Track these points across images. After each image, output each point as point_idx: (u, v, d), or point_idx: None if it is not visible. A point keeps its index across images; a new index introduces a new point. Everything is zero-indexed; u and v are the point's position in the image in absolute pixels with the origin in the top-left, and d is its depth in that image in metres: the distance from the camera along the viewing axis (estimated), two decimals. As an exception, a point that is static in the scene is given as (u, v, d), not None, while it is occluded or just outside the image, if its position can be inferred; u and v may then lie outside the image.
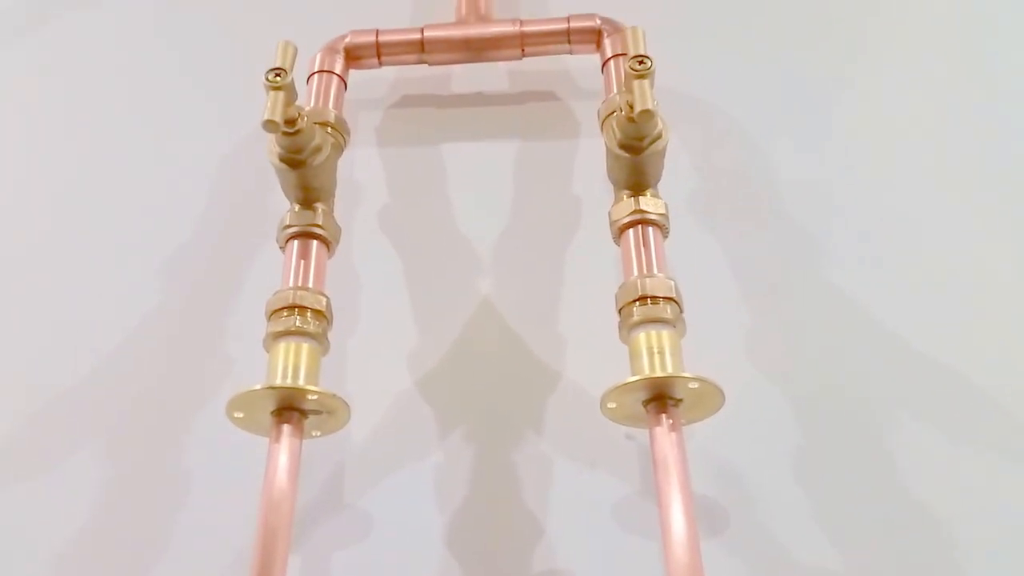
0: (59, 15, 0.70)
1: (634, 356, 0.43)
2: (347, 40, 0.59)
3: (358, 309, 0.53)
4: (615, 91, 0.52)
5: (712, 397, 0.42)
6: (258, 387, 0.42)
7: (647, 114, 0.43)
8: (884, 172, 0.58)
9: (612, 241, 0.48)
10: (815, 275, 0.54)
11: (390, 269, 0.55)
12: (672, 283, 0.45)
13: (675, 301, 0.44)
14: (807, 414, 0.48)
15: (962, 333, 0.51)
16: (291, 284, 0.46)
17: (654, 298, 0.44)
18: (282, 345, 0.44)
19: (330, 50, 0.58)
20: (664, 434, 0.41)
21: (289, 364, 0.43)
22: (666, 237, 0.48)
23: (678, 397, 0.42)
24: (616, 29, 0.57)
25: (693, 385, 0.42)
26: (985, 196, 0.57)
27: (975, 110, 0.61)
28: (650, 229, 0.47)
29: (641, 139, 0.46)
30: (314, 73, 0.56)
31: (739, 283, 0.54)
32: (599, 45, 0.58)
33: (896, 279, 0.53)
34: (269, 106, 0.43)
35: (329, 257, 0.49)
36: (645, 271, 0.45)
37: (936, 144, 0.59)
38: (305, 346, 0.44)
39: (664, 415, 0.42)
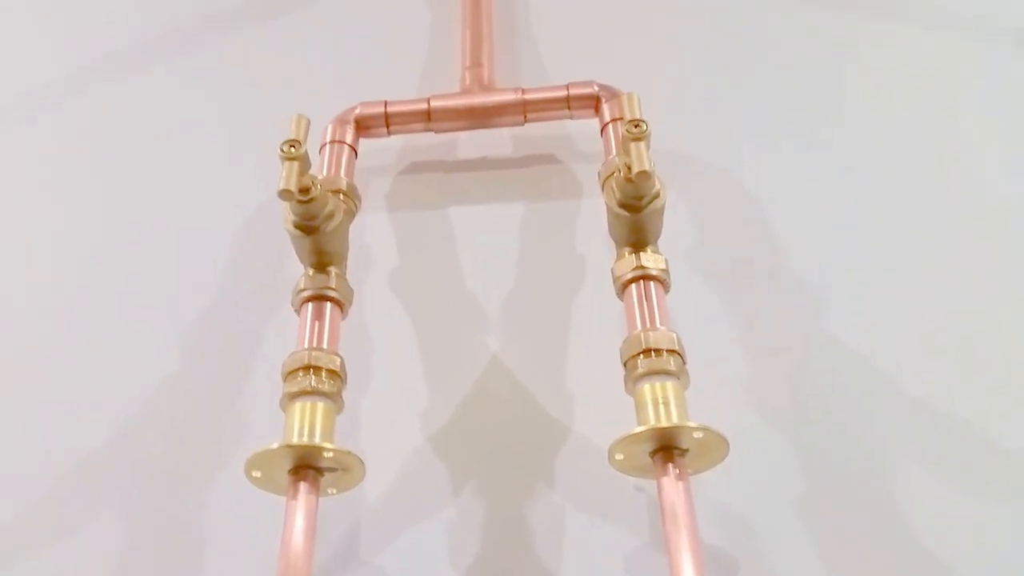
0: (83, 88, 0.73)
1: (640, 407, 0.44)
2: (357, 111, 0.62)
3: (371, 368, 0.54)
4: (614, 153, 0.54)
5: (717, 446, 0.43)
6: (275, 446, 0.43)
7: (644, 175, 0.45)
8: (880, 224, 0.60)
9: (616, 296, 0.49)
10: (814, 325, 0.55)
11: (401, 329, 0.57)
12: (674, 336, 0.46)
13: (678, 353, 0.46)
14: (811, 462, 0.49)
15: (959, 380, 0.52)
16: (306, 345, 0.47)
17: (657, 351, 0.45)
18: (298, 405, 0.45)
19: (341, 121, 0.61)
20: (671, 484, 0.42)
21: (305, 423, 0.44)
22: (667, 291, 0.49)
23: (684, 447, 0.43)
24: (613, 95, 0.60)
25: (698, 435, 0.43)
26: (979, 247, 0.58)
27: (968, 161, 0.63)
28: (652, 284, 0.49)
29: (640, 198, 0.48)
30: (326, 143, 0.59)
31: (740, 334, 0.55)
32: (597, 110, 0.61)
33: (894, 328, 0.55)
34: (284, 176, 0.46)
35: (342, 318, 0.50)
36: (648, 325, 0.47)
37: (931, 197, 0.61)
38: (320, 405, 0.45)
39: (671, 465, 0.43)
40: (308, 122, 0.48)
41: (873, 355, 0.53)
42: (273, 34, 0.75)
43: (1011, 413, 0.50)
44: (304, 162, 0.47)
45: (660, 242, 0.50)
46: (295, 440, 0.43)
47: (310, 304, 0.49)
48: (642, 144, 0.46)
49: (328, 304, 0.50)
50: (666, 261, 0.49)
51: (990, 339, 0.54)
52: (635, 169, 0.45)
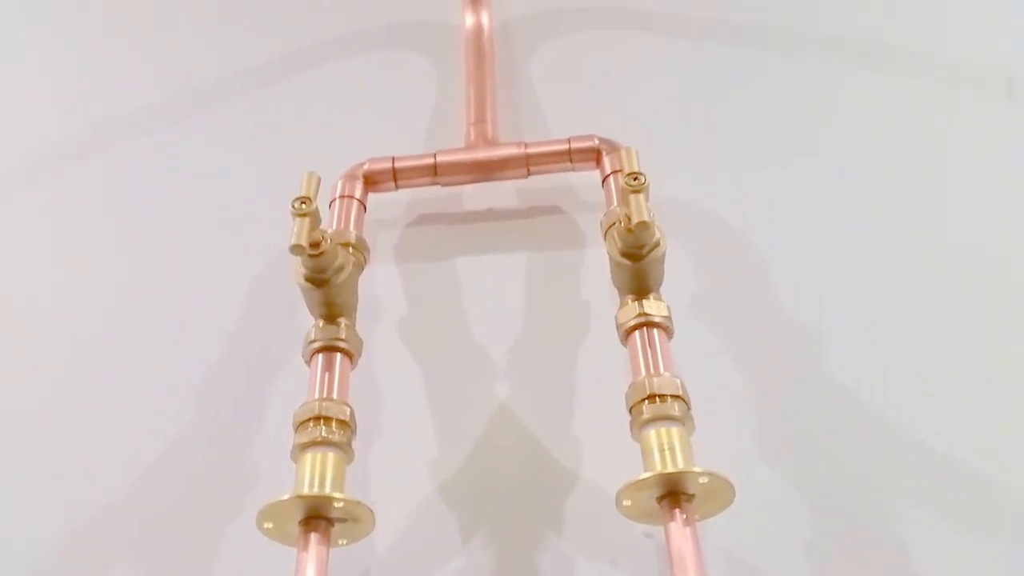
0: (104, 144, 0.75)
1: (646, 453, 0.45)
2: (366, 167, 0.63)
3: (380, 418, 0.55)
4: (615, 204, 0.56)
5: (723, 491, 0.44)
6: (286, 497, 0.44)
7: (643, 225, 0.47)
8: (877, 268, 0.61)
9: (620, 343, 0.50)
10: (816, 368, 0.56)
11: (410, 378, 0.57)
12: (678, 381, 0.47)
13: (682, 399, 0.46)
14: (818, 506, 0.49)
15: (965, 422, 0.52)
16: (316, 396, 0.48)
17: (662, 396, 0.46)
18: (309, 455, 0.46)
19: (350, 177, 0.63)
20: (679, 529, 0.42)
21: (316, 473, 0.45)
22: (671, 338, 0.50)
23: (690, 492, 0.44)
24: (613, 148, 0.62)
25: (703, 480, 0.43)
26: (975, 289, 0.59)
27: (960, 207, 0.64)
28: (655, 331, 0.49)
29: (640, 247, 0.49)
30: (336, 198, 0.60)
31: (744, 379, 0.56)
32: (599, 162, 0.62)
33: (896, 370, 0.55)
34: (296, 232, 0.47)
35: (352, 369, 0.51)
36: (652, 371, 0.47)
37: (926, 241, 0.62)
38: (331, 455, 0.46)
39: (678, 510, 0.43)
40: (319, 179, 0.50)
41: (877, 398, 0.54)
42: (285, 94, 0.77)
43: (1017, 455, 0.51)
44: (315, 218, 0.48)
45: (663, 289, 0.51)
46: (306, 491, 0.44)
47: (320, 355, 0.50)
48: (641, 196, 0.47)
49: (338, 355, 0.51)
50: (668, 308, 0.50)
51: (993, 379, 0.54)
52: (635, 220, 0.46)
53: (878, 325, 0.58)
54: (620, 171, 0.51)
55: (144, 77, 0.80)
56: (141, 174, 0.73)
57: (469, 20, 0.75)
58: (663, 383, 0.46)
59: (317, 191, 0.49)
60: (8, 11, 0.88)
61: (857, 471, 0.51)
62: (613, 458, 0.46)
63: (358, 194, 0.61)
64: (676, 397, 0.46)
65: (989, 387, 0.54)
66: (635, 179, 0.48)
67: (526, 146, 0.64)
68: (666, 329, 0.50)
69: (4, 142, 0.76)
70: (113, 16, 0.86)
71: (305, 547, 0.43)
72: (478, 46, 0.73)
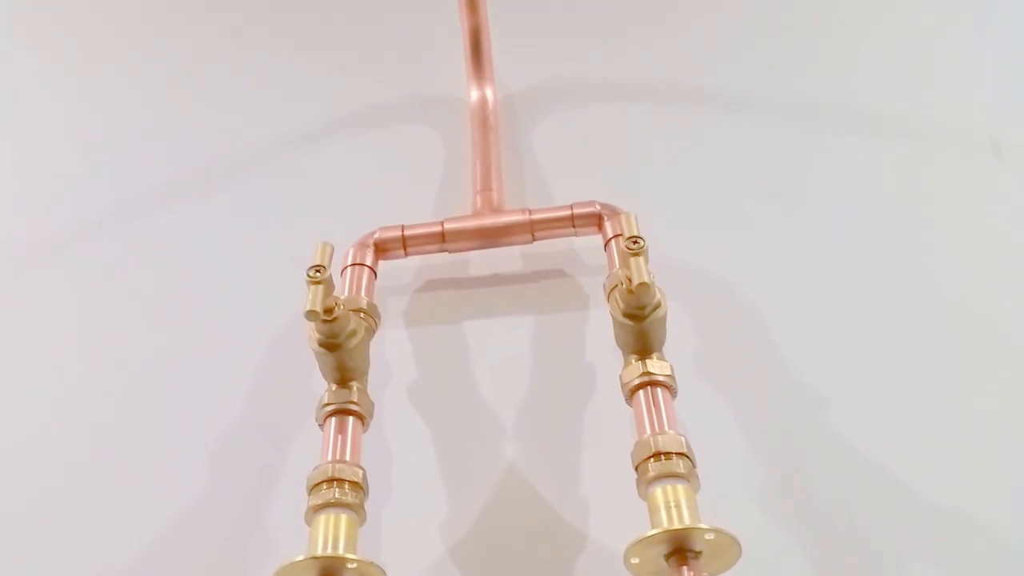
0: (116, 217, 0.77)
1: (652, 511, 0.45)
2: (376, 236, 0.65)
3: (391, 479, 0.56)
4: (617, 267, 0.58)
5: (729, 548, 0.44)
6: (300, 558, 0.44)
7: (644, 287, 0.49)
8: (878, 323, 0.62)
9: (625, 403, 0.52)
10: (819, 425, 0.56)
11: (420, 440, 0.58)
12: (683, 439, 0.48)
13: (687, 456, 0.47)
14: (822, 562, 0.50)
15: (967, 476, 0.53)
16: (330, 458, 0.49)
17: (667, 454, 0.47)
18: (322, 517, 0.46)
19: (362, 245, 0.65)
20: (687, 586, 0.43)
21: (329, 535, 0.45)
22: (675, 396, 0.51)
23: (697, 549, 0.44)
24: (614, 213, 0.64)
25: (710, 536, 0.44)
26: (966, 346, 0.60)
27: (949, 265, 0.66)
28: (659, 390, 0.51)
29: (642, 308, 0.51)
30: (348, 266, 0.62)
31: (747, 437, 0.56)
32: (600, 227, 0.64)
33: (898, 425, 0.56)
34: (310, 299, 0.49)
35: (364, 431, 0.52)
36: (657, 429, 0.48)
37: (920, 299, 0.63)
38: (344, 517, 0.47)
39: (685, 568, 0.43)
40: (332, 248, 0.52)
41: (879, 453, 0.54)
42: (301, 167, 0.79)
43: (1018, 508, 0.51)
44: (328, 285, 0.50)
45: (667, 349, 0.52)
46: (319, 552, 0.45)
47: (333, 418, 0.52)
48: (640, 259, 0.49)
49: (350, 418, 0.52)
50: (671, 367, 0.51)
51: (991, 433, 0.55)
52: (635, 281, 0.48)
53: (878, 380, 0.59)
54: (621, 235, 0.53)
55: (166, 151, 0.83)
56: (163, 244, 0.75)
57: (474, 95, 0.78)
58: (668, 441, 0.47)
59: (331, 260, 0.51)
60: (36, 84, 0.92)
61: (861, 527, 0.51)
62: (620, 516, 0.47)
63: (369, 261, 0.63)
64: (681, 455, 0.47)
65: (988, 441, 0.55)
66: (635, 243, 0.50)
67: (530, 213, 0.66)
68: (669, 388, 0.51)
69: (24, 213, 0.79)
70: (135, 93, 0.90)
71: (319, 608, 0.44)
72: (483, 119, 0.77)
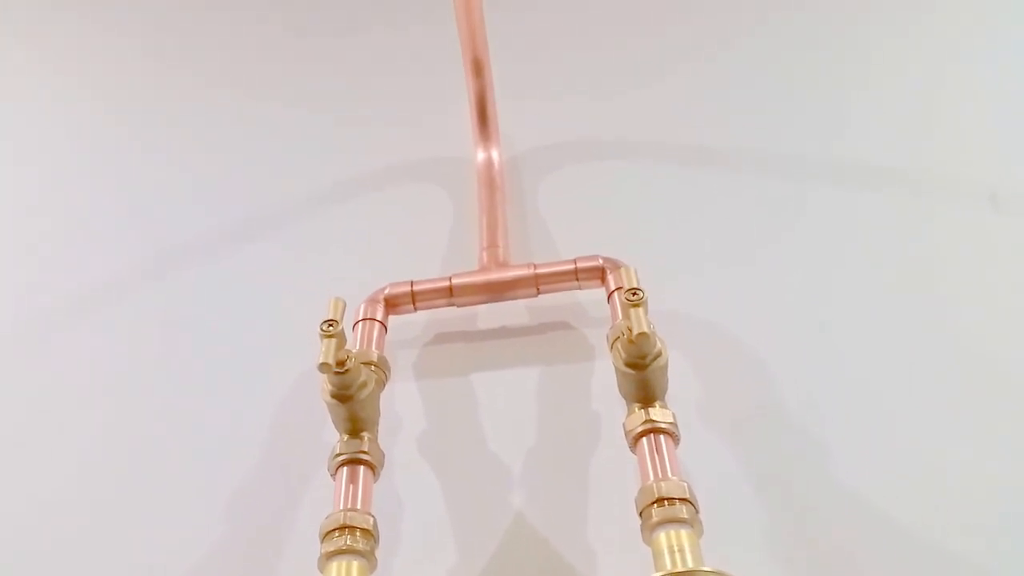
0: (136, 275, 0.80)
1: (656, 556, 0.46)
2: (387, 291, 0.67)
3: (401, 528, 0.57)
4: (619, 318, 0.60)
5: (733, 592, 0.45)
6: (314, 604, 0.46)
7: (644, 336, 0.50)
8: (873, 374, 0.63)
9: (629, 450, 0.53)
10: (822, 471, 0.57)
11: (430, 489, 0.60)
12: (686, 485, 0.49)
13: (690, 502, 0.48)
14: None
15: (973, 525, 0.53)
16: (342, 506, 0.50)
17: (670, 500, 0.48)
18: (335, 564, 0.48)
19: (372, 301, 0.67)
20: (690, 630, 0.44)
21: (341, 581, 0.47)
22: (677, 444, 0.52)
23: (700, 593, 0.45)
24: (616, 266, 0.66)
25: (713, 580, 0.45)
26: (967, 394, 0.61)
27: (948, 317, 0.67)
28: (662, 437, 0.52)
29: (643, 357, 0.53)
30: (359, 320, 0.64)
31: (750, 482, 0.57)
32: (603, 280, 0.66)
33: (903, 473, 0.57)
34: (323, 352, 0.51)
35: (375, 481, 0.54)
36: (660, 475, 0.50)
37: (920, 349, 0.65)
38: (355, 563, 0.48)
39: (689, 610, 0.44)
40: (344, 303, 0.54)
41: (881, 500, 0.55)
42: (314, 225, 0.82)
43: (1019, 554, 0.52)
44: (341, 339, 0.52)
45: (670, 397, 0.54)
46: (332, 599, 0.46)
47: (345, 468, 0.53)
48: (640, 310, 0.51)
49: (362, 467, 0.53)
50: (674, 415, 0.53)
51: (997, 480, 0.56)
52: (635, 331, 0.50)
53: (880, 426, 0.60)
54: (622, 287, 0.55)
55: (183, 213, 0.86)
56: (182, 301, 0.77)
57: (480, 155, 0.81)
58: (671, 487, 0.48)
59: (343, 314, 0.53)
60: (62, 143, 0.96)
61: (864, 572, 0.52)
62: (626, 562, 0.48)
63: (380, 316, 0.65)
64: (684, 500, 0.48)
65: (991, 486, 0.56)
66: (634, 294, 0.52)
67: (535, 267, 0.68)
68: (672, 435, 0.52)
69: (50, 272, 0.82)
70: (153, 156, 0.93)
71: (330, 655, 0.45)
72: (489, 178, 0.79)
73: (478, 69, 0.79)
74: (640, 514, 0.48)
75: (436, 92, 0.92)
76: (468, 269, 0.70)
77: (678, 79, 0.92)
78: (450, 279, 0.68)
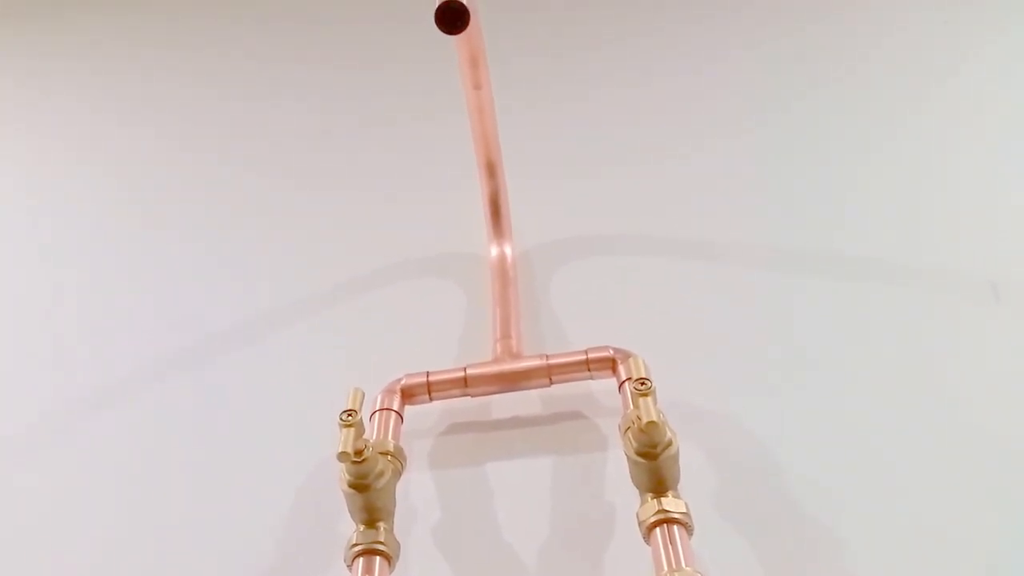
0: (160, 368, 0.82)
1: (672, 647, 0.46)
2: (403, 382, 0.69)
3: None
4: (631, 407, 0.61)
5: None
6: None
7: (653, 425, 0.52)
8: (890, 463, 0.64)
9: (643, 541, 0.53)
10: (834, 559, 0.57)
11: (444, 581, 0.60)
12: (699, 576, 0.49)
13: (705, 593, 0.49)
14: None
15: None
16: (358, 597, 0.51)
17: (684, 591, 0.48)
18: (350, 656, 0.48)
19: (389, 391, 0.68)
20: None
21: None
22: (691, 534, 0.53)
23: None
24: (627, 356, 0.67)
25: (729, 671, 0.44)
26: (976, 477, 0.62)
27: (955, 403, 0.67)
28: (675, 527, 0.52)
29: (654, 447, 0.54)
30: (377, 411, 0.66)
31: (765, 574, 0.57)
32: (615, 370, 0.67)
33: (918, 567, 0.57)
34: (343, 440, 0.53)
35: (391, 572, 0.54)
36: (674, 566, 0.50)
37: (927, 436, 0.65)
38: (371, 655, 0.48)
39: None
40: (363, 394, 0.56)
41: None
42: (333, 319, 0.84)
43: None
44: (359, 428, 0.54)
45: (684, 488, 0.54)
46: None
47: (361, 559, 0.54)
48: (649, 399, 0.53)
49: (377, 558, 0.54)
50: (687, 505, 0.53)
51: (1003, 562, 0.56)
52: (644, 420, 0.51)
53: (894, 515, 0.60)
54: (631, 377, 0.56)
55: (203, 303, 0.89)
56: (202, 389, 0.79)
57: (494, 251, 0.84)
58: (685, 578, 0.49)
59: (361, 405, 0.55)
60: (82, 231, 1.00)
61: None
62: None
63: (396, 406, 0.66)
64: (699, 591, 0.48)
65: (1010, 568, 0.55)
66: (642, 384, 0.53)
67: (548, 358, 0.69)
68: (685, 525, 0.53)
69: (67, 366, 0.84)
70: (175, 249, 0.96)
71: None
72: (502, 272, 0.82)
73: (491, 171, 0.83)
74: (655, 605, 0.49)
75: (450, 188, 0.95)
76: (482, 360, 0.71)
77: (685, 172, 0.95)
78: (464, 370, 0.70)
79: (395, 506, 0.57)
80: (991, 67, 1.01)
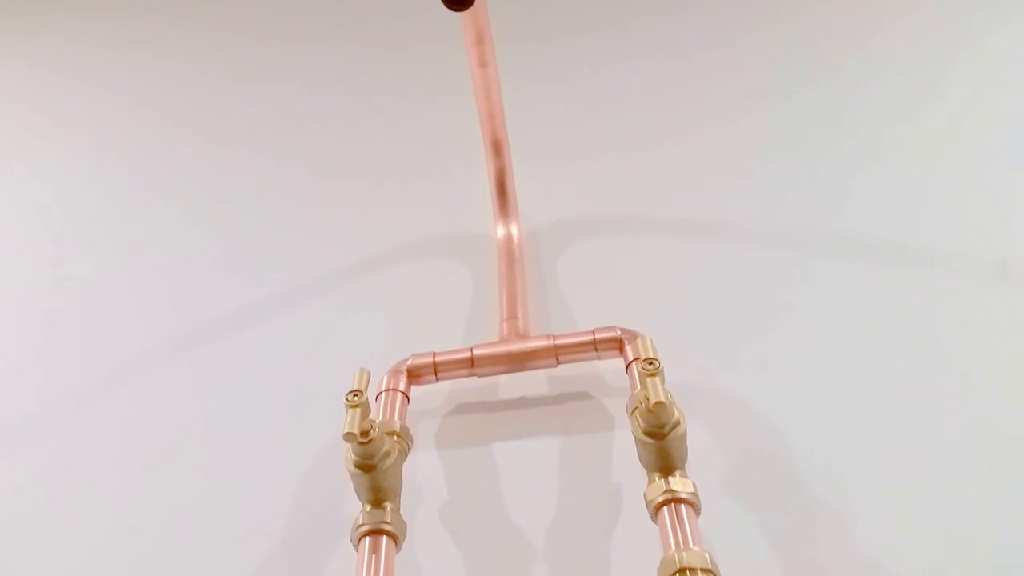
0: (168, 353, 0.82)
1: (679, 626, 0.46)
2: (409, 362, 0.69)
3: (423, 600, 0.57)
4: (638, 388, 0.61)
5: (757, 662, 0.45)
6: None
7: (660, 405, 0.51)
8: (894, 446, 0.63)
9: (650, 520, 0.53)
10: (842, 542, 0.57)
11: (451, 560, 0.60)
12: (707, 555, 0.49)
13: (712, 572, 0.48)
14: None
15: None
16: (365, 577, 0.51)
17: (692, 569, 0.48)
18: (357, 635, 0.48)
19: (395, 371, 0.68)
20: None
21: (363, 653, 0.47)
22: (698, 514, 0.53)
23: (723, 664, 0.45)
24: (634, 336, 0.67)
25: (736, 650, 0.44)
26: (985, 466, 0.61)
27: (964, 388, 0.67)
28: (683, 507, 0.52)
29: (662, 427, 0.54)
30: (383, 391, 0.66)
31: (774, 554, 0.57)
32: (622, 350, 0.67)
33: (923, 546, 0.57)
34: (348, 421, 0.52)
35: (397, 552, 0.54)
36: (681, 545, 0.50)
37: (938, 420, 0.65)
38: (378, 635, 0.48)
39: None
40: (369, 374, 0.55)
41: (903, 571, 0.55)
42: (338, 300, 0.84)
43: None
44: (365, 409, 0.53)
45: (692, 467, 0.54)
46: (354, 669, 0.46)
47: (368, 538, 0.54)
48: (656, 379, 0.52)
49: (384, 538, 0.54)
50: (694, 485, 0.53)
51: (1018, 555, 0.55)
52: (652, 400, 0.51)
53: (901, 496, 0.60)
54: (639, 357, 0.56)
55: (208, 285, 0.89)
56: (209, 371, 0.79)
57: (500, 231, 0.83)
58: (692, 557, 0.49)
59: (367, 385, 0.54)
60: (85, 222, 1.00)
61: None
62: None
63: (402, 387, 0.66)
64: (706, 571, 0.48)
65: (1016, 561, 0.55)
66: (650, 364, 0.53)
67: (554, 338, 0.69)
68: (693, 505, 0.53)
69: (71, 353, 0.84)
70: (181, 232, 0.96)
71: None
72: (509, 252, 0.82)
73: (497, 149, 0.82)
74: (662, 584, 0.48)
75: (457, 167, 0.95)
76: (489, 340, 0.71)
77: (691, 153, 0.94)
78: (471, 350, 0.69)
79: (401, 486, 0.57)
80: (999, 49, 0.99)
